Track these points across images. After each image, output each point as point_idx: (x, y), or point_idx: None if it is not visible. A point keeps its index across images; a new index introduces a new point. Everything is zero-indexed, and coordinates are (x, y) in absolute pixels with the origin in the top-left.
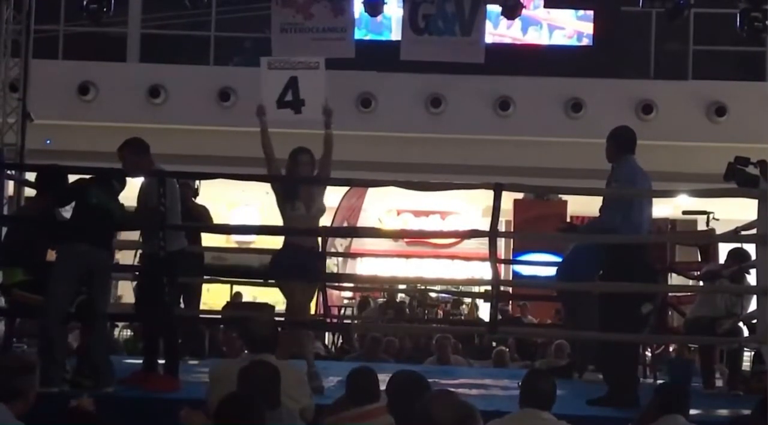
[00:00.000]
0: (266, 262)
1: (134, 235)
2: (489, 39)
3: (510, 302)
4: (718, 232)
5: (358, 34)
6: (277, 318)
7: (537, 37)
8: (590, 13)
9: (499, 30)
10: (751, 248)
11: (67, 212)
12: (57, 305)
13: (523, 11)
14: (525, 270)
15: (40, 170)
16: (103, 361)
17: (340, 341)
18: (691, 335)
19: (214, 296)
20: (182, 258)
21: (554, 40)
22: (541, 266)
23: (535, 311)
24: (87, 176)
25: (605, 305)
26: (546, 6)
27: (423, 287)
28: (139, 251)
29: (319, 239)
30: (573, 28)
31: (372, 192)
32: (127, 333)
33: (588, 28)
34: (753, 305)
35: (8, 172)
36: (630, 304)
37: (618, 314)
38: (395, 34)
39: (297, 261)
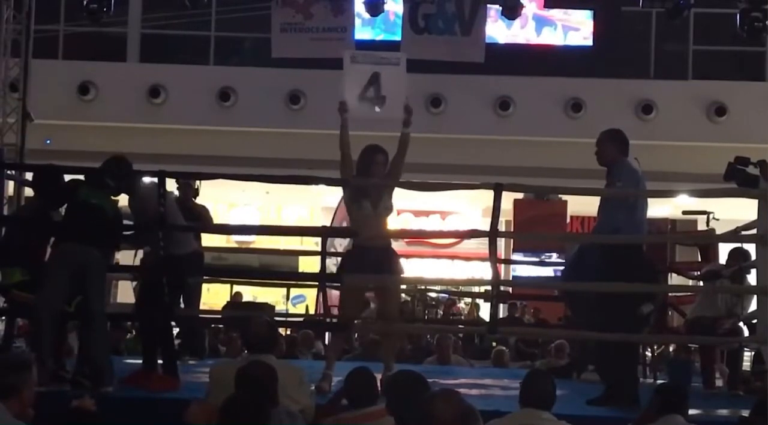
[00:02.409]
0: (266, 262)
1: None
2: (502, 40)
3: (517, 303)
4: (718, 232)
5: (372, 34)
6: (276, 318)
7: (551, 38)
8: None
9: (512, 31)
10: (751, 248)
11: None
12: (46, 305)
13: (537, 12)
14: (524, 270)
15: (35, 170)
16: (103, 361)
17: None
18: (691, 335)
19: (214, 296)
20: (195, 260)
21: (569, 42)
22: (541, 266)
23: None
24: (81, 176)
25: (605, 304)
26: (546, 6)
27: (423, 287)
28: (140, 252)
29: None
30: (588, 29)
31: None
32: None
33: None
34: (753, 306)
35: (8, 172)
36: (630, 304)
37: (618, 313)
38: None
39: (367, 263)
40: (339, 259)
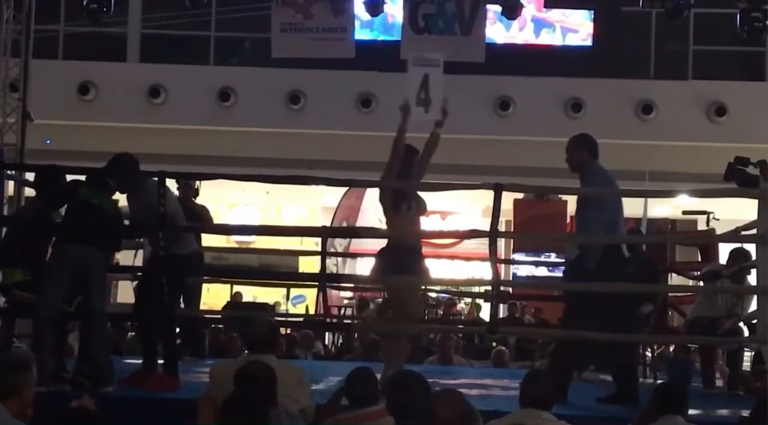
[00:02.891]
0: (266, 262)
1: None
2: (500, 42)
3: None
4: (718, 232)
5: (371, 35)
6: (276, 318)
7: (550, 40)
8: None
9: (510, 33)
10: (751, 248)
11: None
12: (46, 306)
13: (536, 14)
14: (524, 270)
15: (37, 170)
16: (103, 360)
17: (340, 341)
18: (691, 335)
19: (214, 296)
20: (196, 260)
21: (568, 43)
22: (540, 266)
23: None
24: (81, 177)
25: (599, 305)
26: (546, 6)
27: (423, 287)
28: (140, 252)
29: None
30: (587, 31)
31: (372, 192)
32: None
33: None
34: (754, 306)
35: (8, 172)
36: (626, 304)
37: (612, 313)
38: None
39: (414, 262)
40: (339, 259)
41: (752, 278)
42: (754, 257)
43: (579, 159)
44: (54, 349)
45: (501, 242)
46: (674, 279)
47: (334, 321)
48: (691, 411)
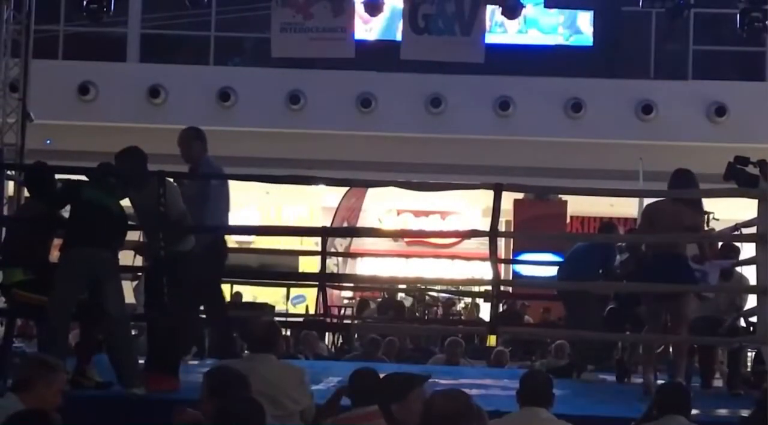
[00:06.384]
0: (266, 262)
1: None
2: (502, 41)
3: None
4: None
5: (372, 34)
6: (276, 318)
7: (553, 39)
8: None
9: (513, 31)
10: (751, 248)
11: (66, 212)
12: (60, 311)
13: (538, 12)
14: (525, 270)
15: (27, 170)
16: (126, 362)
17: (340, 341)
18: (691, 335)
19: None
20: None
21: (570, 42)
22: (541, 266)
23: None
24: (81, 177)
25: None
26: (546, 6)
27: (423, 287)
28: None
29: None
30: (590, 30)
31: (372, 192)
32: None
33: None
34: (752, 302)
35: (8, 172)
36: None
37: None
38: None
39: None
40: (339, 259)
41: (752, 278)
42: (746, 255)
43: (195, 152)
44: (66, 353)
45: (501, 242)
46: None
47: (334, 320)
48: (691, 411)
